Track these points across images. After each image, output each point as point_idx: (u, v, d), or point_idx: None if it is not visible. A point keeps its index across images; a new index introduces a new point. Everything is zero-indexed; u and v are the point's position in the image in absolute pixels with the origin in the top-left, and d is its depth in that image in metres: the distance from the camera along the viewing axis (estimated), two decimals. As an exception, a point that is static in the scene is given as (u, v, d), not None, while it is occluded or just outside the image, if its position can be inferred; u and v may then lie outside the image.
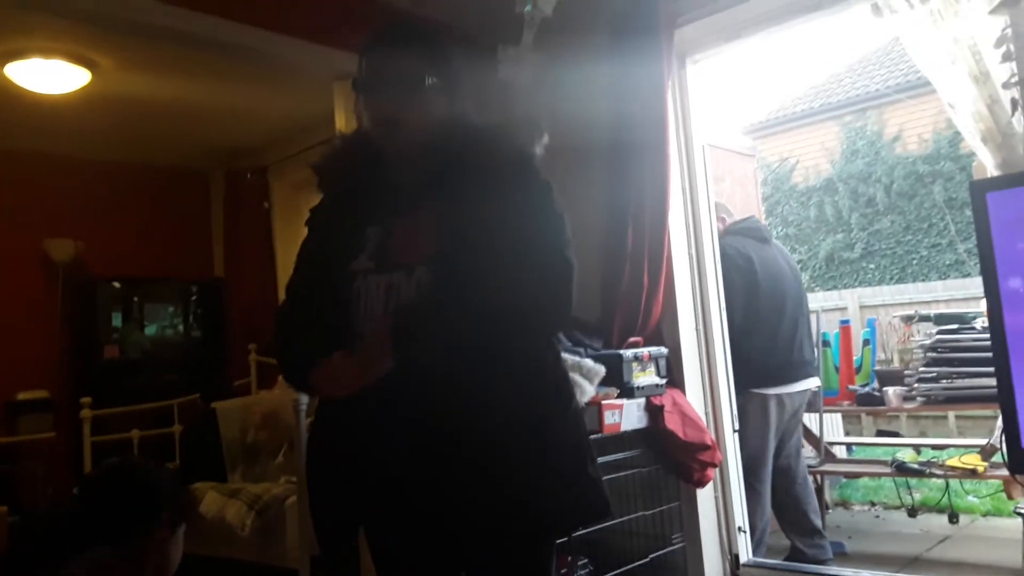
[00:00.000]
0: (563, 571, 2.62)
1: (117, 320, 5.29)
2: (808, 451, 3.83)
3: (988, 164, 2.41)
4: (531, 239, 1.38)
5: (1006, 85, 2.30)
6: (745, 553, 3.15)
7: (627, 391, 2.85)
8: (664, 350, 3.08)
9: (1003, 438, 1.85)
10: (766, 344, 3.40)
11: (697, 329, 3.21)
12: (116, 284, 5.25)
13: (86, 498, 1.85)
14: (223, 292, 5.53)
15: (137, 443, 4.67)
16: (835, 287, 10.70)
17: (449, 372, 1.31)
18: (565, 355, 2.76)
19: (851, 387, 4.09)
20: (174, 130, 4.77)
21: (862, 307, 8.30)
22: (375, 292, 1.37)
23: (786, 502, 3.50)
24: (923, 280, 9.94)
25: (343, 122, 3.26)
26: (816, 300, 9.66)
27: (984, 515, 4.20)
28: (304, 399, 2.96)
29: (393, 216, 1.44)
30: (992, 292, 1.82)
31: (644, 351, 2.98)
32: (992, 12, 2.34)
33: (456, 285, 1.32)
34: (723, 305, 3.29)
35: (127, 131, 4.71)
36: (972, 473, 3.58)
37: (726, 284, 3.32)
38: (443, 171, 1.42)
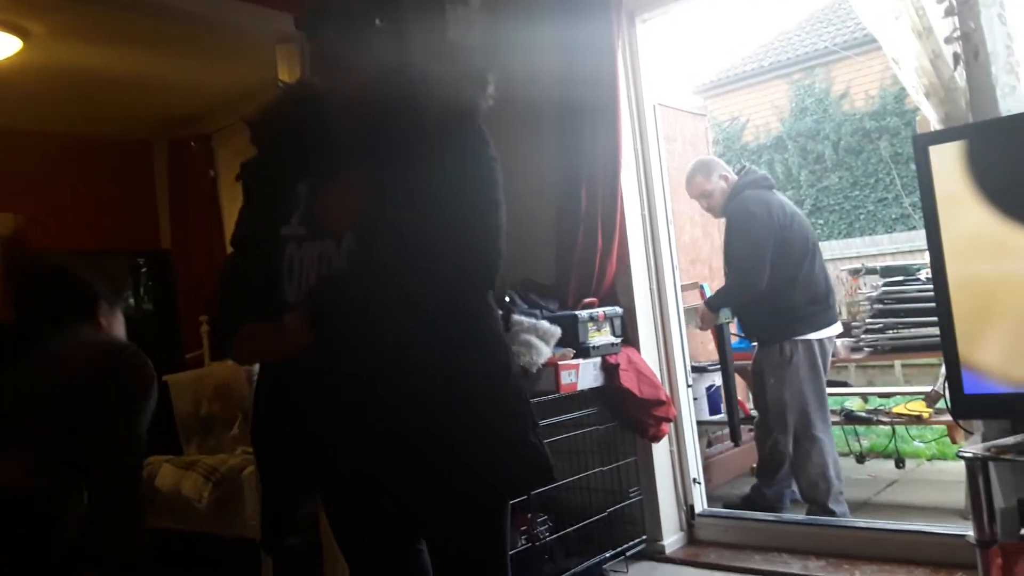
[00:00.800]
0: (523, 528, 2.66)
1: (62, 295, 5.15)
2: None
3: (931, 118, 2.45)
4: (461, 192, 1.33)
5: (948, 40, 2.33)
6: (700, 503, 3.23)
7: (583, 351, 2.87)
8: (619, 310, 3.11)
9: (946, 385, 1.91)
10: (806, 290, 3.36)
11: (651, 288, 3.24)
12: (60, 259, 5.10)
13: (26, 301, 1.99)
14: (172, 264, 5.40)
15: (89, 419, 4.61)
16: (786, 243, 10.87)
17: (380, 340, 1.27)
18: (521, 317, 2.77)
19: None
20: (114, 99, 4.59)
21: (811, 262, 8.47)
22: (308, 262, 1.32)
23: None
24: (870, 234, 10.17)
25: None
26: (767, 257, 9.81)
27: (929, 459, 4.36)
28: (256, 370, 2.92)
29: (326, 174, 1.38)
30: (935, 244, 1.86)
31: (599, 311, 3.01)
32: (934, -34, 2.36)
33: (382, 250, 1.27)
34: (676, 264, 3.33)
35: (64, 101, 4.52)
36: (917, 419, 3.71)
37: (753, 239, 3.34)
38: (382, 124, 1.35)
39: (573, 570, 2.73)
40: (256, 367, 2.87)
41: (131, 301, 5.41)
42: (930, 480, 4.02)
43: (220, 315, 1.46)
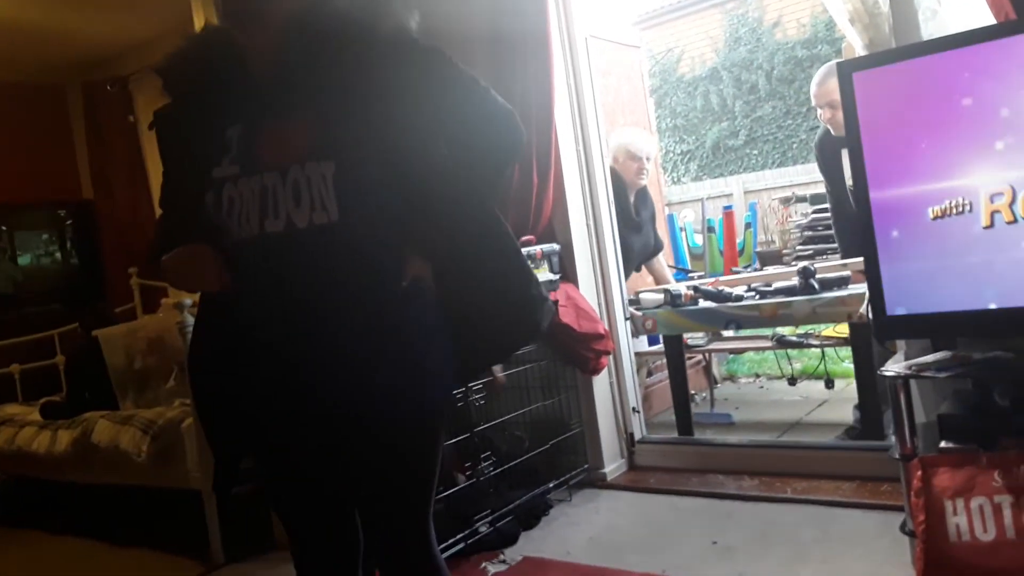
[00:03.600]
0: (467, 465, 2.69)
1: (-17, 251, 4.94)
2: (697, 332, 3.98)
3: (856, 45, 2.47)
4: (444, 104, 1.31)
5: (872, -36, 2.33)
6: (639, 431, 3.31)
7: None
8: (556, 247, 3.11)
9: (869, 308, 1.97)
10: None
11: (588, 224, 3.25)
12: (-23, 213, 4.87)
13: None
14: (95, 215, 5.20)
15: (19, 377, 4.47)
16: (722, 175, 11.02)
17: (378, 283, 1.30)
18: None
19: (735, 269, 4.27)
20: (22, 44, 4.32)
21: (746, 192, 8.61)
22: (249, 197, 1.26)
23: None
24: (803, 163, 10.35)
25: (202, 21, 3.04)
26: (703, 188, 9.95)
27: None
28: (190, 321, 2.86)
29: (257, 114, 1.31)
30: (858, 169, 1.89)
31: (537, 249, 3.01)
32: None
33: (369, 172, 1.25)
34: (611, 199, 3.33)
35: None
36: (845, 341, 3.83)
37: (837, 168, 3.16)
38: (310, 60, 1.30)
39: (518, 502, 2.79)
40: (189, 319, 2.83)
41: (57, 256, 5.22)
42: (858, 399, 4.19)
43: (155, 247, 1.39)
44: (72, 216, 5.20)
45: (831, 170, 3.29)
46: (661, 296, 3.39)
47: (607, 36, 4.68)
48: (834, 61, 3.37)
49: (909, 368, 1.87)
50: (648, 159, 3.81)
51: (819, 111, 3.27)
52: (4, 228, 5.04)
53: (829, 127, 3.24)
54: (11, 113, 4.91)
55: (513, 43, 3.04)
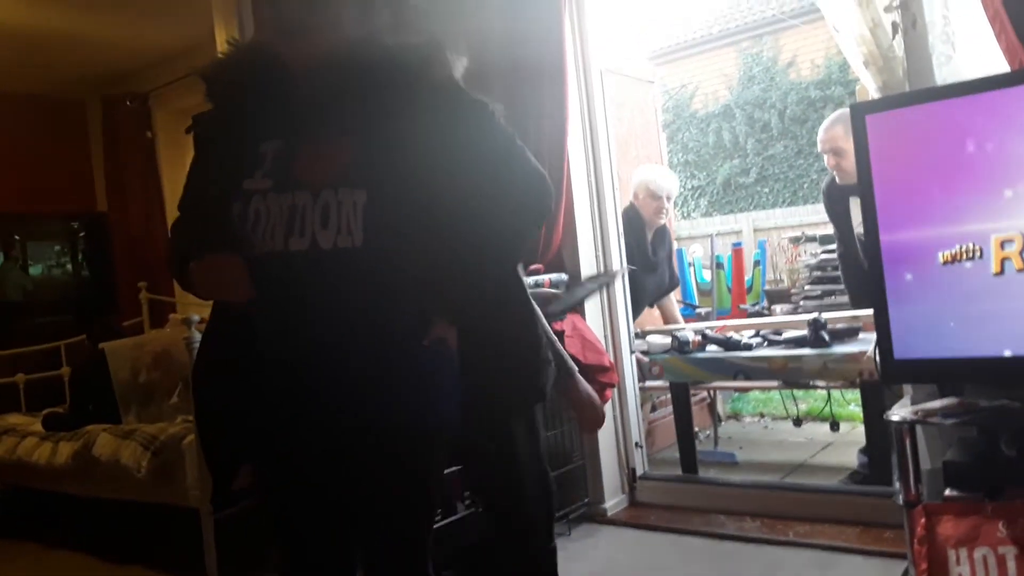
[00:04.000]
0: (467, 494, 2.67)
1: (-4, 259, 4.99)
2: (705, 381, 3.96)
3: (870, 87, 2.48)
4: (469, 145, 1.33)
5: (887, 8, 2.35)
6: (641, 466, 3.28)
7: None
8: (564, 276, 3.11)
9: (877, 351, 1.96)
10: None
11: (596, 256, 3.25)
12: (-8, 222, 4.93)
13: None
14: (108, 227, 5.24)
15: (23, 387, 4.48)
16: (732, 211, 11.04)
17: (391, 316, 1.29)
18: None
19: (742, 306, 4.26)
20: (44, 56, 4.41)
21: (756, 230, 8.61)
22: (276, 213, 1.27)
23: None
24: (813, 203, 10.35)
25: (224, 44, 3.08)
26: (713, 224, 9.97)
27: (863, 422, 4.49)
28: (197, 337, 2.86)
29: (296, 132, 1.32)
30: (869, 211, 1.89)
31: (545, 278, 3.01)
32: (876, -65, 2.37)
33: (398, 208, 1.25)
34: (621, 231, 3.34)
35: (-7, 57, 4.33)
36: (852, 384, 3.80)
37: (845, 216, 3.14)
38: (355, 85, 1.31)
39: (516, 534, 2.75)
40: (196, 334, 2.83)
41: (68, 267, 5.25)
42: (862, 442, 4.14)
43: (175, 249, 1.39)
44: (85, 228, 5.24)
45: (838, 217, 3.29)
46: (668, 340, 3.38)
47: (622, 70, 4.72)
48: (843, 108, 3.41)
49: (915, 413, 1.85)
50: (669, 198, 3.79)
51: (825, 157, 3.26)
52: (17, 238, 5.09)
53: (835, 174, 3.25)
54: (31, 124, 4.98)
55: (530, 74, 3.07)
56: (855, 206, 3.18)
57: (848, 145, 3.07)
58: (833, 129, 3.18)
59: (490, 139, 1.36)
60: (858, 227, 3.17)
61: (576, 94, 3.18)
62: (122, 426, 3.46)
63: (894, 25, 2.33)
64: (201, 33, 3.39)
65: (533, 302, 1.50)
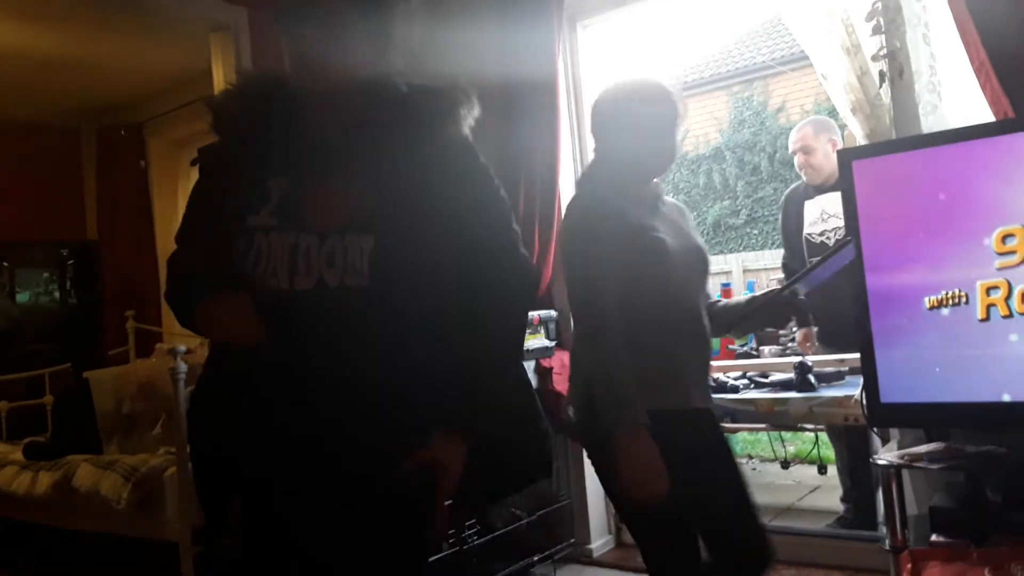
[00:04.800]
0: (451, 532, 2.64)
1: (-19, 286, 4.96)
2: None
3: (858, 134, 2.53)
4: (470, 200, 1.34)
5: (875, 57, 2.41)
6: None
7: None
8: (554, 313, 3.12)
9: (863, 394, 1.96)
10: None
11: (586, 292, 3.25)
12: (-19, 247, 4.91)
13: None
14: (98, 256, 5.23)
15: (5, 415, 4.42)
16: (721, 252, 11.10)
17: (392, 364, 1.27)
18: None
19: (731, 347, 4.25)
20: (40, 84, 4.43)
21: (745, 271, 8.65)
22: (279, 252, 1.26)
23: None
24: (802, 245, 10.44)
25: (220, 76, 3.12)
26: (703, 265, 9.99)
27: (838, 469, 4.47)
28: (183, 368, 2.84)
29: (305, 171, 1.31)
30: (856, 255, 1.91)
31: (534, 315, 3.01)
32: (863, -14, 2.43)
33: (405, 259, 1.26)
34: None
35: (-11, 83, 4.35)
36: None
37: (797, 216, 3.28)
38: (366, 127, 1.31)
39: (500, 573, 2.73)
40: (182, 365, 2.81)
41: (56, 295, 5.23)
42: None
43: (176, 283, 1.38)
44: (74, 256, 5.23)
45: (789, 223, 3.40)
46: None
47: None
48: (815, 117, 3.56)
49: (902, 457, 1.85)
50: None
51: (795, 159, 3.36)
52: (6, 264, 5.07)
53: (803, 175, 3.35)
54: (25, 151, 4.99)
55: (523, 112, 3.11)
56: (810, 206, 3.31)
57: (817, 143, 3.26)
58: (803, 129, 3.32)
59: (492, 210, 1.37)
60: (809, 227, 3.30)
61: (568, 133, 3.21)
62: (103, 456, 3.41)
63: (881, 74, 2.38)
64: (198, 65, 3.42)
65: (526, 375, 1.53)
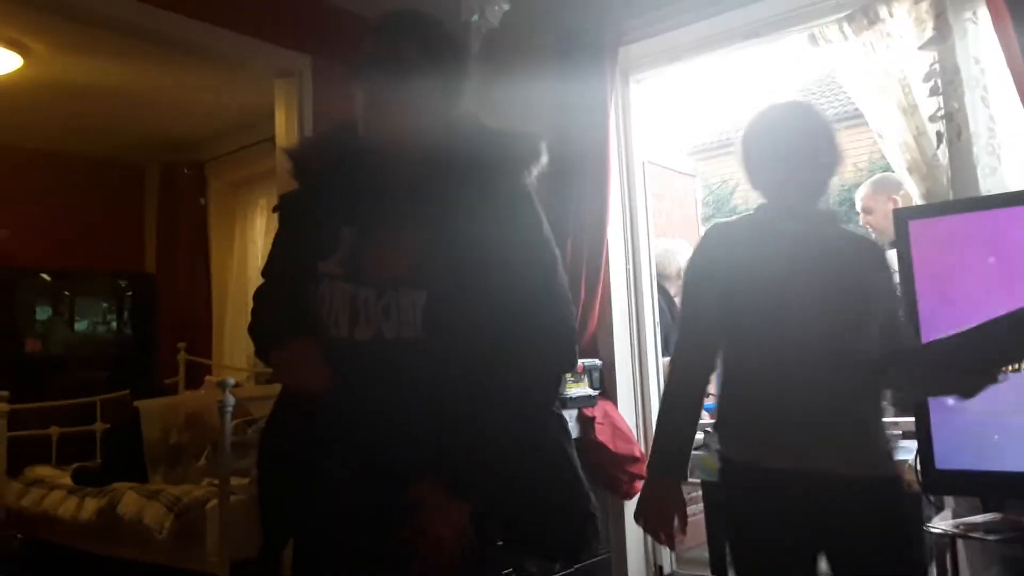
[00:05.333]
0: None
1: (44, 313, 5.11)
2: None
3: (914, 193, 2.50)
4: (527, 260, 1.34)
5: (932, 118, 2.39)
6: (669, 565, 3.18)
7: (560, 402, 2.85)
8: (598, 362, 3.10)
9: (918, 459, 1.91)
10: None
11: (631, 343, 3.24)
12: (45, 276, 5.08)
13: None
14: (155, 289, 5.38)
15: (56, 440, 4.52)
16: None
17: (446, 415, 1.28)
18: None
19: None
20: (109, 119, 4.62)
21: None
22: (340, 301, 1.31)
23: None
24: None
25: (283, 121, 3.21)
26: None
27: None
28: (230, 401, 2.90)
29: (371, 218, 1.36)
30: (912, 314, 1.88)
31: (578, 363, 3.00)
32: (921, 48, 2.43)
33: (458, 316, 1.28)
34: (657, 320, 3.34)
35: (60, 118, 4.55)
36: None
37: None
38: (433, 178, 1.34)
39: (536, 626, 2.67)
40: (230, 398, 2.86)
41: (113, 325, 5.38)
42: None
43: (260, 320, 1.42)
44: (133, 288, 5.38)
45: None
46: (701, 436, 3.31)
47: (664, 163, 4.80)
48: (879, 175, 3.50)
49: (957, 527, 1.79)
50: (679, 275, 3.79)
51: (859, 217, 3.34)
52: (67, 293, 5.24)
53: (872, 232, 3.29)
54: (91, 184, 5.19)
55: (574, 163, 3.13)
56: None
57: (875, 203, 3.20)
58: (864, 190, 3.31)
59: (542, 259, 1.36)
60: None
61: (618, 184, 3.23)
62: (148, 485, 3.47)
63: (938, 135, 2.37)
64: (261, 108, 3.54)
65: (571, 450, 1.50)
